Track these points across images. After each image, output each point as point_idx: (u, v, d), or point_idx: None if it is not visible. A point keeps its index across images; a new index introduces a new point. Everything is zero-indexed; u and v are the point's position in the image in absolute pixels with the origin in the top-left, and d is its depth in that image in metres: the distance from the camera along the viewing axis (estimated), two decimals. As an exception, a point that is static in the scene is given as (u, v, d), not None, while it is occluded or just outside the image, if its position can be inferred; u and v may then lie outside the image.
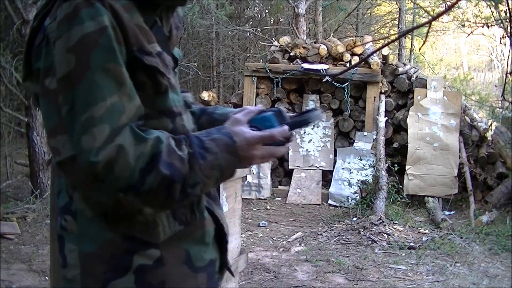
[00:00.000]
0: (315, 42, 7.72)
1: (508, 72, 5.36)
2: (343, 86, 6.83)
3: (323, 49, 7.04)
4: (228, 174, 1.12)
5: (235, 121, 1.15)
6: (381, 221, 5.16)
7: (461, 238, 4.99)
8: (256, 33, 12.23)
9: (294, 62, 7.10)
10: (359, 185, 6.27)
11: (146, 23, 1.09)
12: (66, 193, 1.16)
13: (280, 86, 7.10)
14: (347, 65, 6.90)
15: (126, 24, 1.03)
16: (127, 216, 1.09)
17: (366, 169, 6.43)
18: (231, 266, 1.43)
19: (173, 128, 1.13)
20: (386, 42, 11.67)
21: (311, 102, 7.08)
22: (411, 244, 4.79)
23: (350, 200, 6.15)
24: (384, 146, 6.49)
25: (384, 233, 5.01)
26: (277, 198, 6.83)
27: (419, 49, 13.80)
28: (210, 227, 1.22)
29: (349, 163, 6.69)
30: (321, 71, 6.81)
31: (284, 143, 1.15)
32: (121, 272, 1.11)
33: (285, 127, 1.14)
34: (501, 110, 7.71)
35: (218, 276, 1.28)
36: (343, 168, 6.69)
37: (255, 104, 7.09)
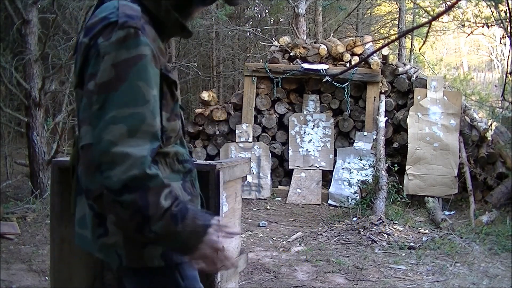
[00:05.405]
0: (315, 42, 7.72)
1: (508, 72, 5.36)
2: (343, 86, 6.83)
3: (323, 49, 7.04)
4: (175, 245, 1.31)
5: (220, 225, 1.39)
6: (381, 221, 5.16)
7: (461, 238, 4.98)
8: (256, 33, 12.23)
9: (294, 62, 7.09)
10: (359, 185, 6.26)
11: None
12: None
13: (280, 86, 7.10)
14: (347, 65, 6.90)
15: (156, 52, 1.32)
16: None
17: (366, 169, 6.43)
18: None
19: (180, 127, 1.48)
20: (386, 42, 11.66)
21: (311, 102, 7.08)
22: (411, 244, 4.79)
23: (350, 200, 6.14)
24: (384, 146, 6.49)
25: (384, 233, 5.00)
26: (277, 198, 6.83)
27: (419, 49, 13.80)
28: (199, 198, 1.58)
29: (349, 163, 6.69)
30: (321, 71, 6.81)
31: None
32: None
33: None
34: (501, 110, 7.70)
35: None
36: (343, 168, 6.69)
37: (255, 104, 7.10)
